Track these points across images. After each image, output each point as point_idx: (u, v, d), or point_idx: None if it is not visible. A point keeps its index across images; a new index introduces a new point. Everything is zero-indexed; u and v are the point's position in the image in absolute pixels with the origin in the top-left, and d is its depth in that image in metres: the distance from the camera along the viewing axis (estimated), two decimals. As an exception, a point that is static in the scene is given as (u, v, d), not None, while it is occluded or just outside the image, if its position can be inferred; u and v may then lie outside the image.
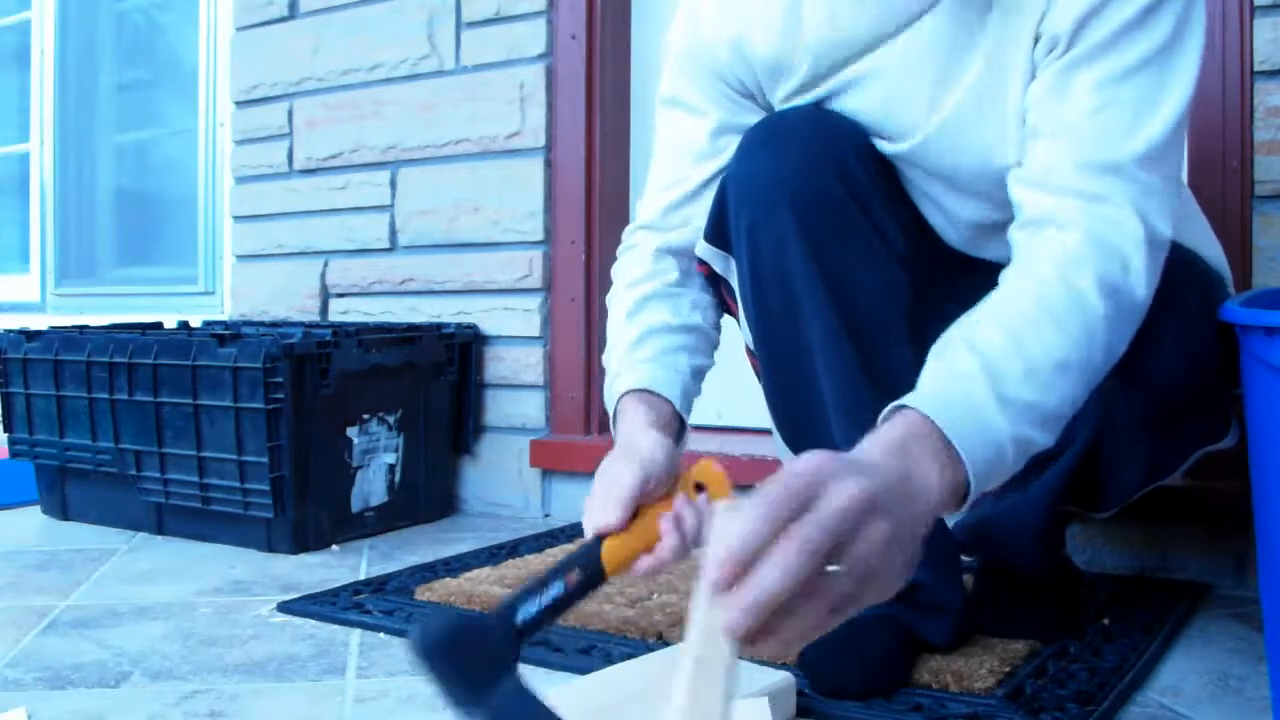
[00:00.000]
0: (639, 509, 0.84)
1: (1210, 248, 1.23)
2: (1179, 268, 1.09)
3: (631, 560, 0.85)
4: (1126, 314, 0.90)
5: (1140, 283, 0.91)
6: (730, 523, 0.63)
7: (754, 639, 0.62)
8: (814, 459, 0.66)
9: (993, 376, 0.80)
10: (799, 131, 1.09)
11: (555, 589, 0.80)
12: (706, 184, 1.16)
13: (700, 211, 1.16)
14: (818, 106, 1.12)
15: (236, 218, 2.54)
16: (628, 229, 1.21)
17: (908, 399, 0.78)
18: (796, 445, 1.16)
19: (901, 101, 1.06)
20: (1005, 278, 0.93)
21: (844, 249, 1.09)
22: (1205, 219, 1.25)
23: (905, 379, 1.13)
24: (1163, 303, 1.03)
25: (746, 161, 1.11)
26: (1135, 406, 1.05)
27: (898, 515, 0.68)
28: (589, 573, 0.82)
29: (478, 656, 0.76)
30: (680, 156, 1.18)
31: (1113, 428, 1.06)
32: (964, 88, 1.03)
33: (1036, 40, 0.98)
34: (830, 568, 0.64)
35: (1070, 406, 0.85)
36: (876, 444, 0.75)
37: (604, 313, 1.21)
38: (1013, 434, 0.79)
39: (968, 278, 1.23)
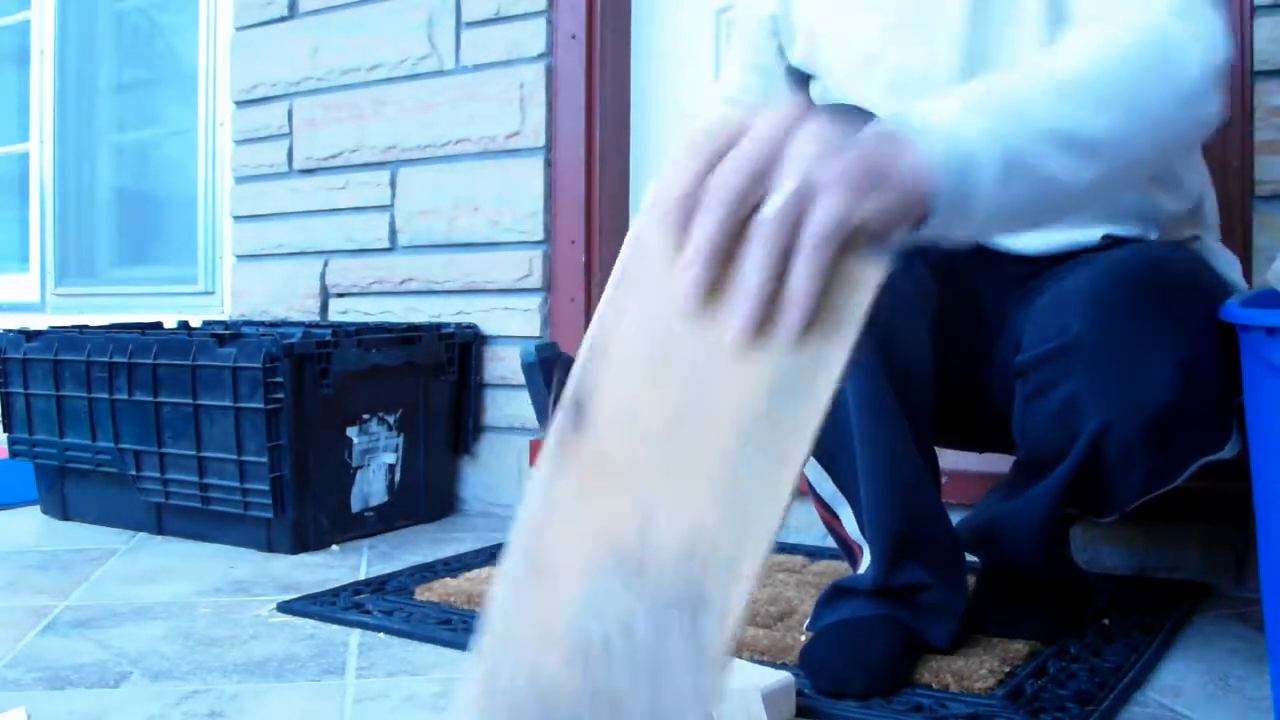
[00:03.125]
0: None
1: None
2: (1183, 275, 1.10)
3: None
4: (1160, 76, 0.83)
5: (1192, 58, 0.84)
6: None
7: (718, 305, 0.59)
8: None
9: (966, 93, 0.73)
10: None
11: None
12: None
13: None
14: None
15: (236, 218, 2.54)
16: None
17: None
18: (816, 447, 1.15)
19: None
20: None
21: None
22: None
23: (925, 378, 1.14)
24: (1163, 310, 1.04)
25: None
26: (1132, 416, 1.04)
27: (828, 128, 0.60)
28: None
29: (556, 381, 0.94)
30: (731, 73, 1.43)
31: (1110, 436, 1.06)
32: None
33: None
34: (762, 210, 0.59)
35: (1085, 135, 0.76)
36: None
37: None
38: (989, 136, 0.69)
39: (985, 273, 1.24)
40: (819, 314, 0.58)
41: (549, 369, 1.00)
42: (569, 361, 0.97)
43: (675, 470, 0.60)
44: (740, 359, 0.59)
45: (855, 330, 0.59)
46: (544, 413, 0.99)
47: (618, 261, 0.62)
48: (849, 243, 0.59)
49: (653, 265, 0.60)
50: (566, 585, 0.61)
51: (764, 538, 0.58)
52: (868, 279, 0.59)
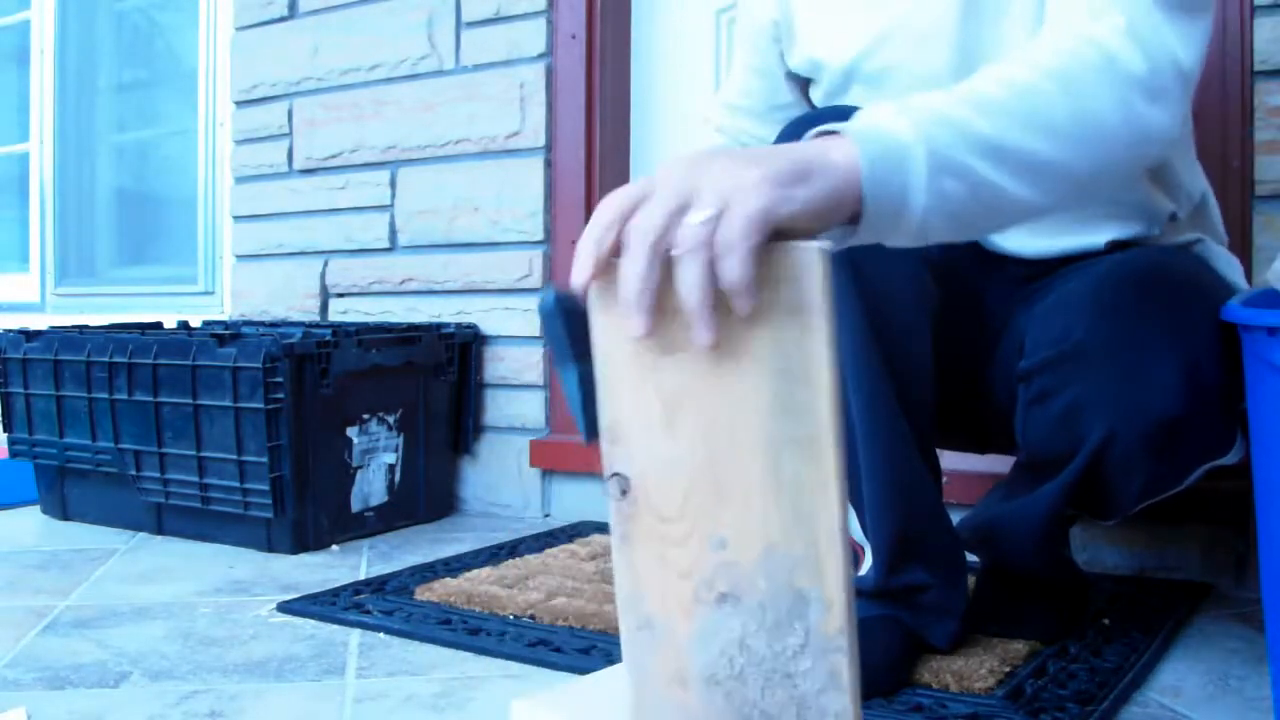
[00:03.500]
0: None
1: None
2: (1185, 280, 1.09)
3: None
4: (1099, 100, 0.81)
5: (1130, 81, 0.82)
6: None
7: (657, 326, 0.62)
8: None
9: (906, 101, 0.74)
10: None
11: None
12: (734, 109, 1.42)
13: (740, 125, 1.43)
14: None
15: (236, 218, 2.54)
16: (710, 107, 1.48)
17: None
18: None
19: None
20: None
21: (877, 256, 1.09)
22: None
23: (926, 379, 1.15)
24: (1166, 317, 1.03)
25: None
26: (1136, 425, 1.04)
27: (734, 152, 0.65)
28: None
29: (579, 329, 0.84)
30: (734, 77, 1.42)
31: (1115, 446, 1.06)
32: None
33: None
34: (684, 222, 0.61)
35: (1022, 154, 0.76)
36: None
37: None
38: (921, 136, 0.71)
39: (986, 275, 1.25)
40: (779, 304, 0.60)
41: (569, 318, 0.94)
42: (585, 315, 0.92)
43: (724, 493, 0.63)
44: (729, 372, 0.62)
45: (822, 312, 0.60)
46: (564, 361, 0.94)
47: (595, 351, 0.66)
48: (782, 235, 0.62)
49: (616, 330, 0.64)
50: (678, 631, 0.65)
51: (832, 522, 0.61)
52: (812, 261, 0.60)
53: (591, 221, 0.63)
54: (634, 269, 0.61)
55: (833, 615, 0.62)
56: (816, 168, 0.65)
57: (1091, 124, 0.81)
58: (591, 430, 0.84)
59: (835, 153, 0.67)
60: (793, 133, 1.11)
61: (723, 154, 0.64)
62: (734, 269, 0.59)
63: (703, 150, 0.65)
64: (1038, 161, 0.77)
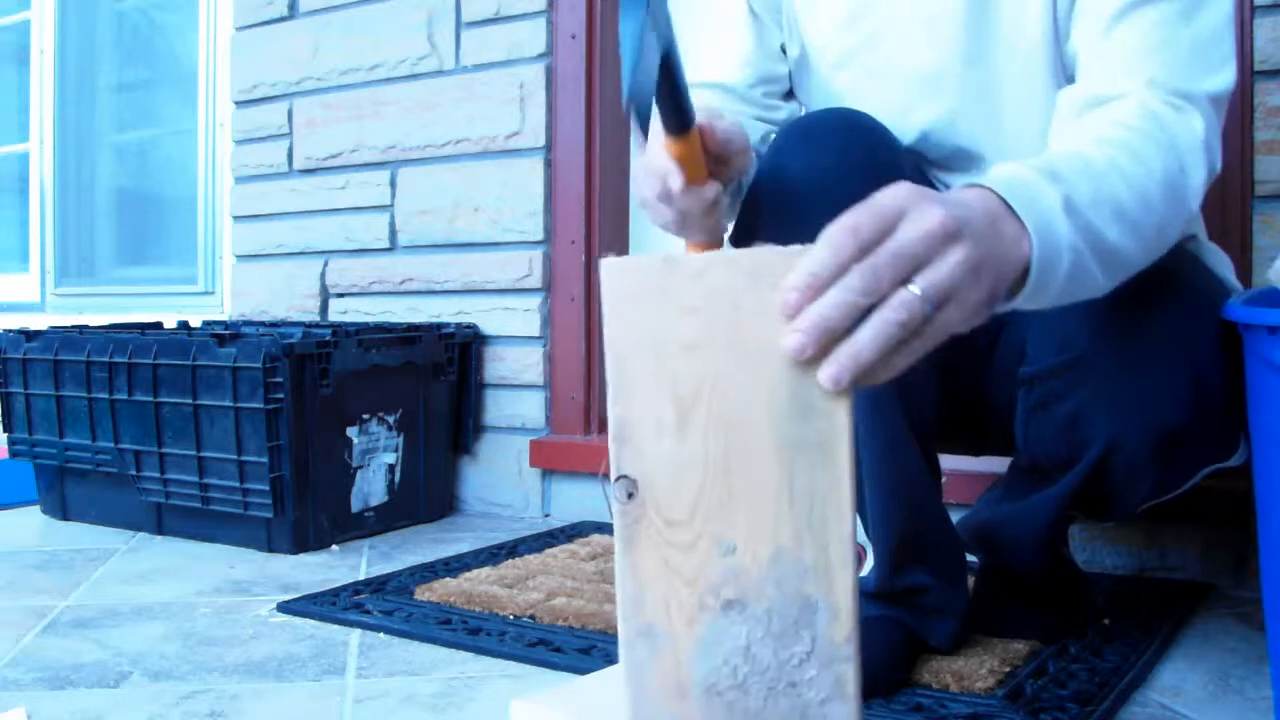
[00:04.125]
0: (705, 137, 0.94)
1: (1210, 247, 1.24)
2: (1185, 282, 1.09)
3: (687, 158, 0.92)
4: (1175, 210, 0.91)
5: (1192, 193, 0.93)
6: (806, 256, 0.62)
7: (817, 359, 0.61)
8: (898, 188, 0.65)
9: (1060, 183, 0.79)
10: (832, 131, 1.09)
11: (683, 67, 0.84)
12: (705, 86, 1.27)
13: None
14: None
15: (236, 218, 2.54)
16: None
17: (980, 180, 0.76)
18: None
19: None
20: (1062, 135, 0.97)
21: None
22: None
23: (926, 380, 1.14)
24: (1168, 322, 1.03)
25: (781, 161, 1.11)
26: (1141, 433, 1.04)
27: (982, 245, 0.67)
28: (687, 107, 0.87)
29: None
30: (724, 52, 1.29)
31: (1119, 453, 1.05)
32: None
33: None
34: (907, 288, 0.63)
35: (1120, 256, 0.85)
36: (957, 194, 0.73)
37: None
38: (1070, 243, 0.77)
39: None
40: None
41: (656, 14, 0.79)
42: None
43: (735, 497, 0.63)
44: (746, 372, 0.62)
45: None
46: (635, 4, 0.77)
47: (609, 349, 0.64)
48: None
49: (630, 325, 0.63)
50: (681, 639, 0.64)
51: (844, 529, 0.62)
52: None
53: (824, 249, 0.61)
54: (843, 303, 0.60)
55: (840, 623, 0.62)
56: (1012, 274, 0.71)
57: (1167, 233, 0.92)
58: (635, 87, 0.75)
59: (1018, 251, 0.72)
60: (800, 141, 1.10)
61: (967, 238, 0.65)
62: (908, 359, 0.63)
63: (956, 212, 0.65)
64: (1127, 260, 0.87)
